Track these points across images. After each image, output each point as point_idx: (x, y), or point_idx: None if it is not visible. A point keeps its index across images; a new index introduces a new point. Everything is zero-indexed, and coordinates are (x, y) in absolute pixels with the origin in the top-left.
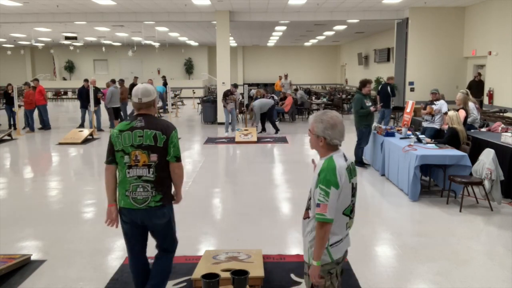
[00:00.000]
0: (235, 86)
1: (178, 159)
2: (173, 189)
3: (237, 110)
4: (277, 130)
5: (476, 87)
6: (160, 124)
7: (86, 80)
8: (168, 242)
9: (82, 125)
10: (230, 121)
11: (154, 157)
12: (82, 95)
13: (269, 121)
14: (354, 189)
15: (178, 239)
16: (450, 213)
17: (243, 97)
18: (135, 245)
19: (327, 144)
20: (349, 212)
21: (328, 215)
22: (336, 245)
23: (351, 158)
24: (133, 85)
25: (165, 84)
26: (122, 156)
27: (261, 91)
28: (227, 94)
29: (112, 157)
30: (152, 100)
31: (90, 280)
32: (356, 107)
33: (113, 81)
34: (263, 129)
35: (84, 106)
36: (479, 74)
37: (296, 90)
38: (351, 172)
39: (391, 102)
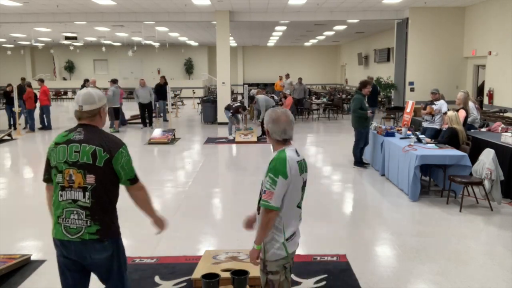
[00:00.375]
0: (244, 109)
1: (133, 180)
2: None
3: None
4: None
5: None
6: (103, 139)
7: (87, 80)
8: (115, 283)
9: None
10: (233, 123)
11: (91, 178)
12: None
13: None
14: (304, 184)
15: (178, 239)
16: (450, 213)
17: (242, 97)
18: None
19: (271, 138)
20: (300, 205)
21: (273, 202)
22: (292, 238)
23: (304, 155)
24: (158, 85)
25: (165, 84)
26: (56, 174)
27: (261, 91)
28: (238, 111)
29: (48, 174)
30: (97, 108)
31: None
32: (356, 106)
33: (113, 81)
34: (264, 133)
35: None
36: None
37: (300, 79)
38: (302, 167)
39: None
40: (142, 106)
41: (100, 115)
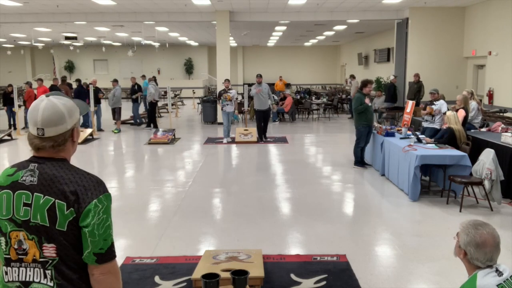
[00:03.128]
0: (227, 81)
1: (102, 257)
2: None
3: (236, 110)
4: (263, 137)
5: (389, 90)
6: (69, 184)
7: (79, 80)
8: None
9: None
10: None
11: (49, 250)
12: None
13: (265, 125)
14: None
15: (178, 239)
16: (450, 213)
17: (242, 97)
18: None
19: (467, 261)
20: None
21: None
22: None
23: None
24: (133, 86)
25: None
26: None
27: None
28: (221, 94)
29: None
30: (68, 130)
31: None
32: (356, 104)
33: (116, 81)
34: (261, 138)
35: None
36: (395, 77)
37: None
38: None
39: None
40: (151, 105)
41: (72, 140)
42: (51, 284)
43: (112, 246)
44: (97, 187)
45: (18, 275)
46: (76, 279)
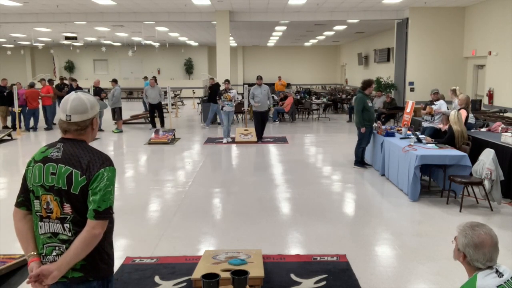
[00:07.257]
0: (227, 81)
1: (99, 215)
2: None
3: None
4: (260, 138)
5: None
6: (85, 158)
7: (74, 80)
8: None
9: None
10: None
11: (67, 208)
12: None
13: (262, 126)
14: None
15: (178, 239)
16: (450, 213)
17: (243, 97)
18: None
19: (467, 263)
20: None
21: None
22: None
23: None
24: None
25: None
26: (33, 200)
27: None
28: (221, 94)
29: (23, 197)
30: (89, 119)
31: None
32: (359, 106)
33: (115, 81)
34: (259, 139)
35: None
36: (389, 95)
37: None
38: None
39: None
40: (151, 107)
41: (92, 127)
42: (70, 234)
43: (109, 208)
44: (105, 161)
45: (49, 228)
46: None
